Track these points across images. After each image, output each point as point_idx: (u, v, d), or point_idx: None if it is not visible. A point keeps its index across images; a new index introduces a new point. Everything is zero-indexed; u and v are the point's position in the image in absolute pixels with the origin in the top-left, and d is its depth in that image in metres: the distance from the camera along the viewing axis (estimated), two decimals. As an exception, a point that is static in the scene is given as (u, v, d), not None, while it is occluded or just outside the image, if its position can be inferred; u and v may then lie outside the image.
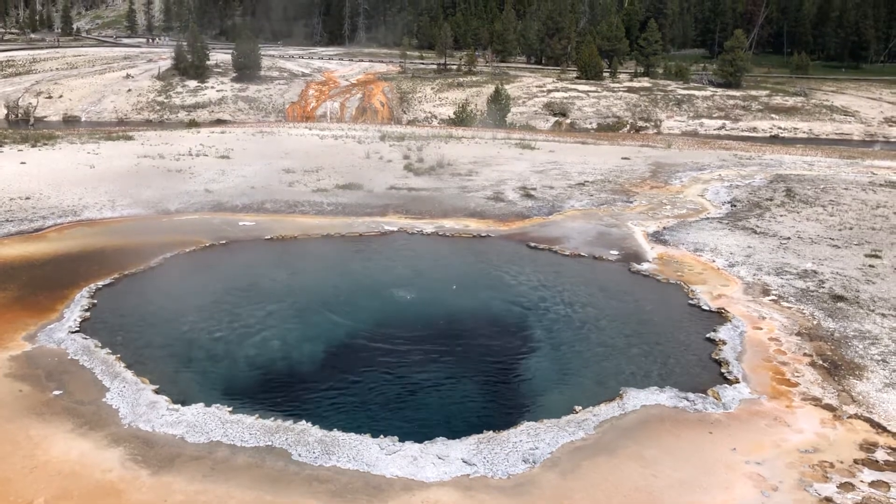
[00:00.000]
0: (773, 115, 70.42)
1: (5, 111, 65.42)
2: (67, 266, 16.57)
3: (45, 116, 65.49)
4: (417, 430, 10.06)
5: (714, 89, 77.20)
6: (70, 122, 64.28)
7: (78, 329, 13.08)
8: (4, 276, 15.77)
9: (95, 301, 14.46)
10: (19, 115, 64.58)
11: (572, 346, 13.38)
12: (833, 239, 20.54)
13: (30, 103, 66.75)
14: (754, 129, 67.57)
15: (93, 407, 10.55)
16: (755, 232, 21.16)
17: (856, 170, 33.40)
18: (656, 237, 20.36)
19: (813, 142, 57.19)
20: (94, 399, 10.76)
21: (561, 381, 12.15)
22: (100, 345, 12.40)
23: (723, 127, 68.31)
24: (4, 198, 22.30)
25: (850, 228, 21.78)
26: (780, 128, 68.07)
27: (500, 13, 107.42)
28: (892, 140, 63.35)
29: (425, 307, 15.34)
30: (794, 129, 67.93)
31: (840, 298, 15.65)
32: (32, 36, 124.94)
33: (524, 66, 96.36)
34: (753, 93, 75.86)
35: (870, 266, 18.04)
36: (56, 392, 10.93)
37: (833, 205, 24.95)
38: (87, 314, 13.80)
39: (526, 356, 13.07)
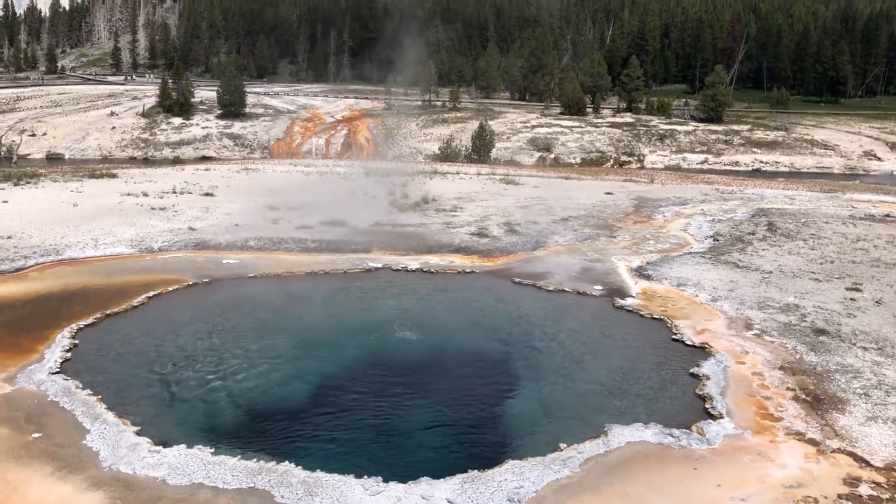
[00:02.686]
0: (754, 150, 71.33)
1: (-12, 149, 65.34)
2: (49, 306, 16.43)
3: (29, 154, 65.40)
4: (401, 470, 9.97)
5: (696, 124, 78.20)
6: (54, 159, 64.18)
7: (59, 370, 12.94)
8: (-15, 316, 15.62)
9: (77, 341, 14.33)
10: (2, 153, 64.48)
11: (556, 383, 13.36)
12: (814, 273, 20.72)
13: (13, 141, 66.67)
14: (736, 164, 68.38)
15: (73, 449, 10.41)
16: (738, 266, 21.32)
17: (836, 203, 33.83)
18: (640, 272, 20.47)
19: (794, 175, 57.97)
20: (75, 441, 10.62)
21: (545, 418, 12.12)
22: (81, 386, 12.27)
23: (705, 161, 69.09)
24: (-14, 237, 22.16)
25: (832, 262, 21.99)
26: (761, 162, 68.93)
27: (483, 50, 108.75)
28: (872, 173, 64.24)
29: (409, 345, 15.29)
30: (776, 162, 68.80)
31: (822, 332, 15.75)
32: (17, 75, 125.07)
33: (508, 102, 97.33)
34: (735, 127, 76.88)
35: (851, 299, 18.19)
36: (35, 434, 10.78)
37: (814, 238, 25.21)
38: (69, 355, 13.66)
39: (510, 393, 13.04)
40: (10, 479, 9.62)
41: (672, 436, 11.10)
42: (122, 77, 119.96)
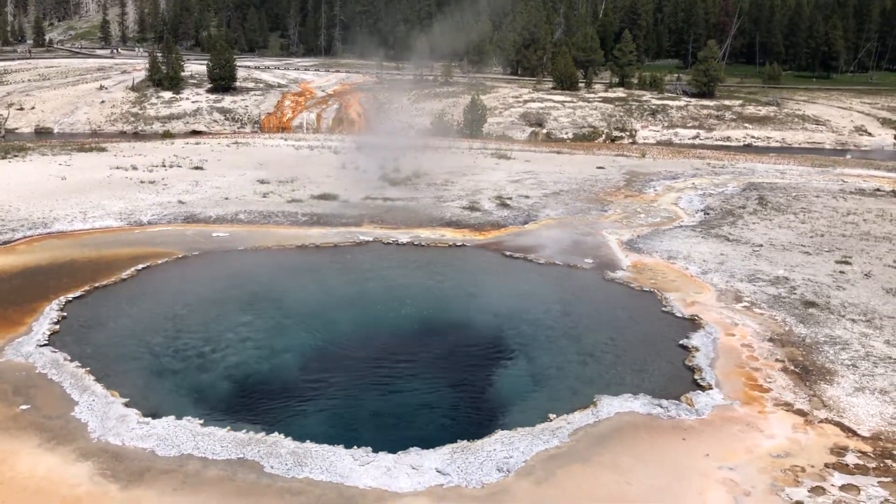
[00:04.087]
0: (746, 125, 71.14)
1: (-24, 123, 64.56)
2: (37, 279, 16.33)
3: (17, 128, 64.64)
4: (391, 441, 10.00)
5: (688, 99, 77.88)
6: (42, 133, 63.49)
7: (47, 342, 12.89)
8: (-28, 289, 15.51)
9: (65, 314, 14.26)
10: (-10, 127, 63.73)
11: (546, 354, 13.38)
12: (804, 246, 20.75)
13: (1, 115, 65.89)
14: (728, 139, 68.21)
15: (61, 421, 10.39)
16: (728, 239, 21.33)
17: (827, 177, 33.85)
18: (630, 245, 20.46)
19: (786, 150, 57.82)
20: (63, 413, 10.60)
21: (535, 389, 12.15)
22: (69, 358, 12.23)
23: (697, 136, 68.89)
24: (-27, 210, 21.97)
25: (822, 235, 22.02)
26: (753, 137, 68.76)
27: (476, 24, 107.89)
28: (863, 148, 64.23)
29: (399, 317, 15.29)
30: (768, 138, 68.65)
31: (811, 304, 15.80)
32: (4, 48, 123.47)
33: (500, 76, 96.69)
34: (727, 102, 76.63)
35: (840, 272, 18.24)
36: (23, 406, 10.75)
37: (804, 212, 25.23)
38: (57, 327, 13.60)
39: (500, 365, 13.07)
40: (-2, 451, 9.59)
41: (661, 406, 11.14)
42: (108, 51, 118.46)
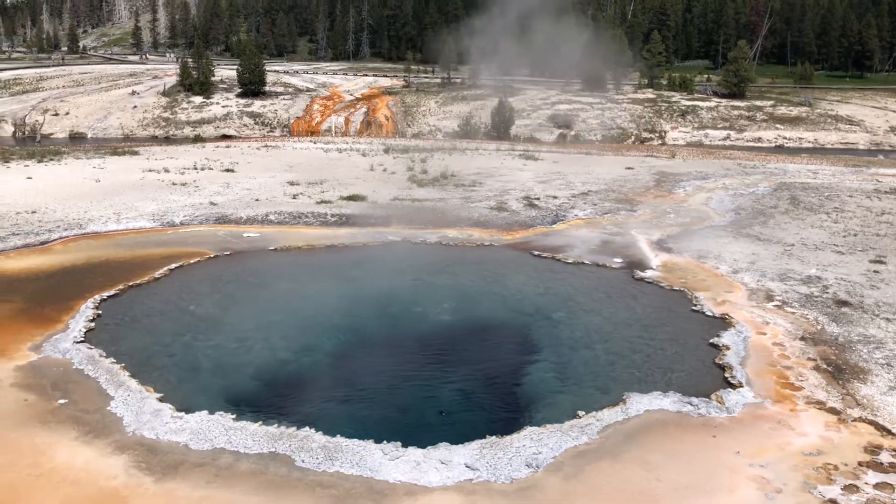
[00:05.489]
0: (777, 126, 70.34)
1: (12, 129, 65.81)
2: (73, 278, 16.67)
3: (52, 133, 65.85)
4: (421, 436, 10.06)
5: (718, 100, 77.19)
6: (76, 138, 64.58)
7: (83, 339, 13.16)
8: (10, 288, 15.88)
9: (100, 312, 14.54)
10: (26, 133, 64.94)
11: (575, 353, 13.37)
12: (837, 245, 20.50)
13: (36, 120, 67.16)
14: (759, 140, 67.48)
15: (97, 415, 10.60)
16: (759, 239, 21.14)
17: (861, 177, 33.38)
18: (660, 245, 20.36)
19: (818, 151, 57.08)
20: (99, 407, 10.81)
21: (564, 386, 12.14)
22: (104, 354, 12.47)
23: (728, 137, 68.24)
24: (10, 212, 22.45)
25: (855, 235, 21.74)
26: (785, 138, 67.97)
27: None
28: (898, 148, 63.21)
29: (428, 316, 15.37)
30: (800, 138, 67.83)
31: (844, 303, 15.61)
32: (39, 55, 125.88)
33: (528, 78, 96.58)
34: (758, 103, 75.82)
35: (874, 272, 18.00)
36: (61, 401, 10.98)
37: (837, 212, 24.92)
38: (92, 325, 13.87)
39: (527, 362, 13.08)
40: (38, 443, 9.82)
41: (691, 404, 11.09)
42: (137, 57, 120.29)
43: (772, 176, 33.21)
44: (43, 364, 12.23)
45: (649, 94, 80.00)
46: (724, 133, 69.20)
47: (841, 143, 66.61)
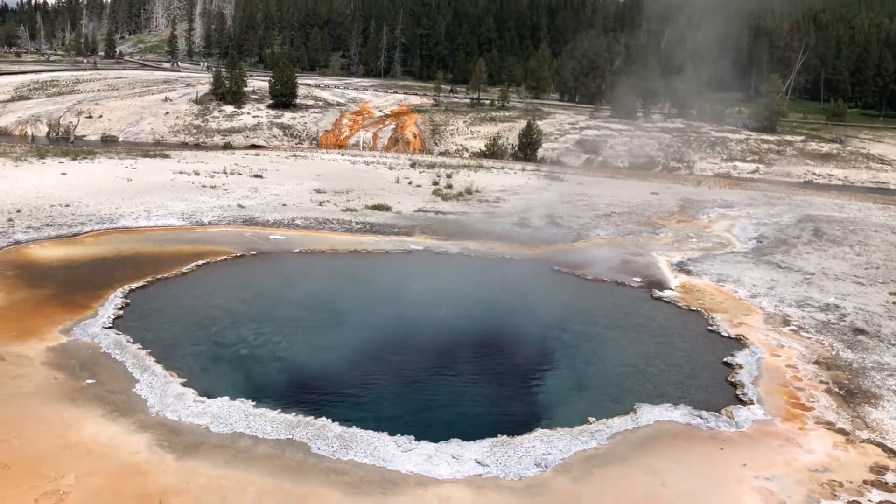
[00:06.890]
0: (807, 161, 70.03)
1: (47, 129, 67.18)
2: (103, 268, 17.15)
3: (85, 135, 67.09)
4: (433, 431, 10.30)
5: (748, 132, 77.02)
6: (108, 141, 65.74)
7: (111, 325, 13.58)
8: (43, 275, 16.38)
9: (129, 301, 14.97)
10: (60, 133, 66.23)
11: (589, 364, 13.58)
12: (858, 276, 20.54)
13: (70, 122, 68.49)
14: (788, 174, 67.17)
15: (123, 396, 10.96)
16: (780, 267, 21.22)
17: (887, 213, 33.28)
18: (680, 267, 20.52)
19: (848, 189, 56.78)
20: (125, 389, 11.18)
21: (576, 394, 12.36)
22: (131, 340, 12.86)
23: (756, 170, 68.00)
24: (45, 204, 23.08)
25: (877, 268, 21.76)
26: (814, 174, 67.64)
27: (535, 50, 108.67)
28: (929, 190, 62.70)
29: (446, 320, 15.63)
30: (829, 175, 67.45)
31: (861, 332, 15.68)
32: (77, 58, 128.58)
33: (557, 103, 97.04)
34: (788, 138, 75.58)
35: (894, 303, 18.04)
36: (89, 381, 11.37)
37: (861, 245, 24.93)
38: (121, 312, 14.29)
39: (542, 370, 13.30)
40: (66, 418, 10.19)
41: (701, 417, 11.25)
42: (170, 64, 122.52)
43: (797, 208, 33.22)
44: (72, 346, 12.64)
45: (679, 123, 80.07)
46: (752, 166, 68.97)
47: (872, 181, 66.18)
